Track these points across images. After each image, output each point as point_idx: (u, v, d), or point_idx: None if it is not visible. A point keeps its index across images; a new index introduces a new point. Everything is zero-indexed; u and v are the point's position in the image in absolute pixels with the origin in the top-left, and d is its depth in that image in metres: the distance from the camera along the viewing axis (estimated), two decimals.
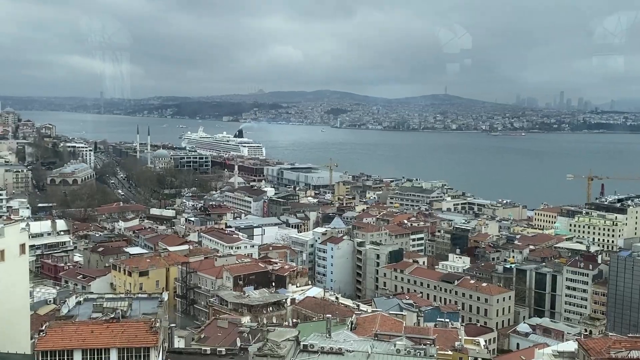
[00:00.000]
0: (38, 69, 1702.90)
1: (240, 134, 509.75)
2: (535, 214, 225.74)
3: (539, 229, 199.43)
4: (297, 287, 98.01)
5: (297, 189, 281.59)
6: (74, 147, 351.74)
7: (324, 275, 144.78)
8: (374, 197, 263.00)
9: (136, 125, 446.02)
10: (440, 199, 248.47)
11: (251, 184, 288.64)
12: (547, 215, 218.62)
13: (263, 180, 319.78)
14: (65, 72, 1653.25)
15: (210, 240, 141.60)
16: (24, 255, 53.77)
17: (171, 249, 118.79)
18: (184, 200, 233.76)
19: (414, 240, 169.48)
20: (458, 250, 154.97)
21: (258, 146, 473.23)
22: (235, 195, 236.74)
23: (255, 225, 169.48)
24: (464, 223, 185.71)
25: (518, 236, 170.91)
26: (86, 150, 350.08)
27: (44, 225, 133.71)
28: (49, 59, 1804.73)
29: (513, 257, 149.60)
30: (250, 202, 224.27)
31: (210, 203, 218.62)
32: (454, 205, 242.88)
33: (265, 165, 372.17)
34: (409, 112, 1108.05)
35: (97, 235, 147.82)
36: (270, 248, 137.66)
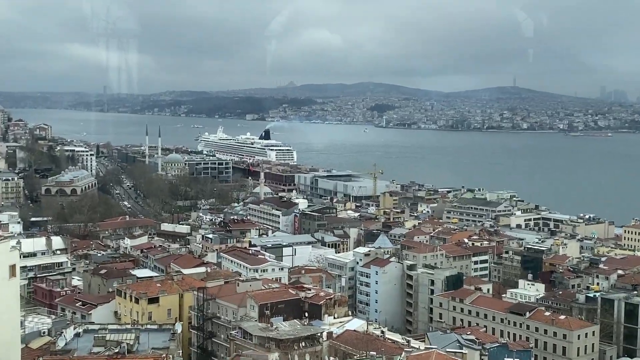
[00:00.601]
0: (31, 59, 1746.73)
1: (266, 135, 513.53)
2: (625, 231, 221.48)
3: (630, 250, 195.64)
4: (334, 318, 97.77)
5: (335, 200, 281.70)
6: (73, 151, 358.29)
7: (366, 304, 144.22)
8: (428, 211, 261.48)
9: (145, 125, 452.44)
10: (508, 214, 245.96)
11: (280, 194, 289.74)
12: (639, 234, 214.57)
13: (294, 191, 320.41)
14: (63, 64, 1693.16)
15: (232, 261, 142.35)
16: (14, 279, 54.70)
17: (185, 271, 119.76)
18: (201, 214, 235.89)
19: (476, 263, 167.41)
20: (530, 276, 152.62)
21: (288, 149, 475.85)
22: (261, 208, 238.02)
23: (284, 244, 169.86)
24: (537, 242, 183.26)
25: (604, 259, 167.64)
26: (87, 155, 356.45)
27: (37, 243, 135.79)
28: (44, 48, 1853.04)
29: (598, 284, 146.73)
30: (279, 217, 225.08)
31: (232, 217, 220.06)
32: (524, 220, 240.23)
33: (296, 173, 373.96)
34: (470, 108, 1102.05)
35: (99, 254, 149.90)
36: (303, 271, 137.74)
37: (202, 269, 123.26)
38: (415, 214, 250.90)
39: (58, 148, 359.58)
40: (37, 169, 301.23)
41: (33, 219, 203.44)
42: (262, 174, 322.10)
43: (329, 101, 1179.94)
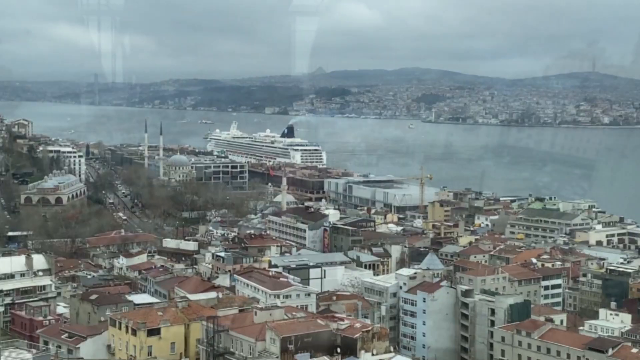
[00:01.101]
0: (8, 41, 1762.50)
1: (290, 133, 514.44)
2: None
3: None
4: (373, 355, 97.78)
5: (373, 211, 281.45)
6: (58, 152, 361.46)
7: (412, 338, 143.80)
8: (487, 225, 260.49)
9: (144, 120, 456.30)
10: (586, 228, 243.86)
11: (306, 204, 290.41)
12: None
13: (323, 199, 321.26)
14: (46, 47, 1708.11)
15: (248, 285, 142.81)
16: None
17: (192, 297, 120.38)
18: (211, 228, 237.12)
19: (546, 288, 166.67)
20: (614, 304, 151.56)
21: (316, 149, 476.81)
22: (283, 221, 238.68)
23: (311, 264, 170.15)
24: (622, 263, 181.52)
25: None
26: (75, 157, 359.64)
27: (15, 263, 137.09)
28: (23, 27, 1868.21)
29: None
30: (305, 231, 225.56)
31: (248, 232, 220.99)
32: (607, 236, 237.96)
33: (326, 178, 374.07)
34: (539, 98, 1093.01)
35: (89, 276, 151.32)
36: (334, 298, 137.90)
37: (212, 295, 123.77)
38: (471, 228, 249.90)
39: (40, 149, 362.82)
40: (16, 173, 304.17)
41: (10, 233, 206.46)
42: (284, 179, 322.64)
43: (365, 91, 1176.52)
